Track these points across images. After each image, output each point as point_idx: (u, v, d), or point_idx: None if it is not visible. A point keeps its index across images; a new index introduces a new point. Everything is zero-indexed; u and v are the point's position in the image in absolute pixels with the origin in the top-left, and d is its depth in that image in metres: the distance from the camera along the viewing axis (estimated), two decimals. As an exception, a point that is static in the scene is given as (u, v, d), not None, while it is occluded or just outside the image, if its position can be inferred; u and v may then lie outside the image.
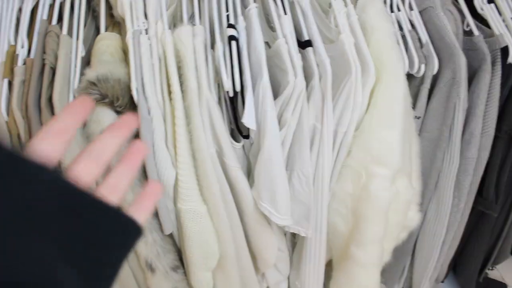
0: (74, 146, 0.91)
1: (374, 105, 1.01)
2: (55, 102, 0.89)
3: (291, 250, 1.35)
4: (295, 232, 1.13)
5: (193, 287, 1.11)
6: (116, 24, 1.07)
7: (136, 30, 0.96)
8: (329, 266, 1.34)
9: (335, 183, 1.10)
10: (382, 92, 1.00)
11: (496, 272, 1.73)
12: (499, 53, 1.13)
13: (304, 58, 1.01)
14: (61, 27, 1.00)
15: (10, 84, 0.97)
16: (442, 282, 1.58)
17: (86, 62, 0.99)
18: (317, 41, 1.01)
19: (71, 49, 0.98)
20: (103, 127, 0.87)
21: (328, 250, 1.25)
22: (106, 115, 0.88)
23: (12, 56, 0.98)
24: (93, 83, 0.89)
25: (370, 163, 1.02)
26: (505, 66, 1.14)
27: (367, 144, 1.02)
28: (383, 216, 1.06)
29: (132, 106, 0.90)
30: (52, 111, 0.89)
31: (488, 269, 1.58)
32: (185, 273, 1.12)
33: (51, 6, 1.04)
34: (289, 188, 1.05)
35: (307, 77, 0.99)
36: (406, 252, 1.34)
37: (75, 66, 0.96)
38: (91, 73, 0.91)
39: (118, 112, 0.90)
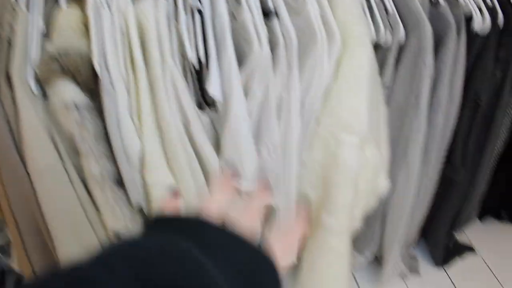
0: (36, 122, 0.90)
1: (341, 73, 1.01)
2: (13, 76, 0.87)
3: (262, 221, 1.36)
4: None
5: (165, 260, 1.12)
6: (77, -4, 1.04)
7: (97, 3, 0.94)
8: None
9: (304, 152, 1.10)
10: (348, 60, 1.00)
11: (465, 237, 1.77)
12: (464, 22, 1.14)
13: (269, 29, 1.01)
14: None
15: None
16: (413, 247, 1.62)
17: (46, 36, 0.97)
18: (282, 11, 1.01)
19: (29, 23, 0.95)
20: (64, 100, 0.86)
21: (300, 220, 1.27)
22: (67, 88, 0.86)
23: (-32, 31, 0.95)
24: (54, 58, 0.87)
25: (338, 130, 1.03)
26: (470, 34, 1.15)
27: (335, 112, 1.03)
28: (352, 183, 1.08)
29: (94, 79, 0.88)
30: (10, 86, 0.87)
31: (456, 232, 1.62)
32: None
33: (8, -21, 1.01)
34: (258, 159, 1.05)
35: (273, 47, 0.98)
36: (376, 219, 1.36)
37: (34, 41, 0.94)
38: (52, 47, 0.89)
39: (80, 85, 0.88)
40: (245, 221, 0.36)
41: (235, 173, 0.42)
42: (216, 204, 0.40)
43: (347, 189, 1.09)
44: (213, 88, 0.92)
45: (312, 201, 1.17)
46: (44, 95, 0.92)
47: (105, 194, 0.98)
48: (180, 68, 0.95)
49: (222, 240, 0.33)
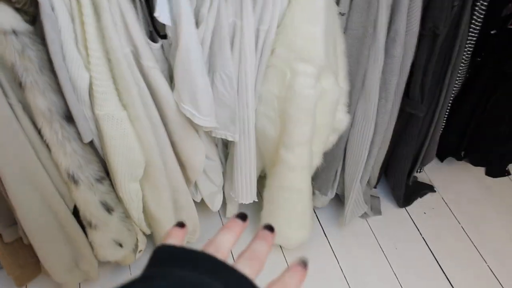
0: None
1: (296, 0, 0.98)
2: None
3: (224, 162, 1.35)
4: (222, 137, 1.12)
5: (122, 198, 1.09)
6: None
7: None
8: (264, 177, 1.35)
9: (260, 85, 1.08)
10: (303, -14, 0.97)
11: (424, 175, 1.80)
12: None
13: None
14: None
15: None
16: (375, 187, 1.63)
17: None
18: None
19: None
20: (0, 26, 0.80)
21: (260, 158, 1.25)
22: (3, 12, 0.80)
23: None
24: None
25: (294, 60, 1.00)
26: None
27: (290, 41, 1.00)
28: (310, 115, 1.06)
29: (33, 2, 0.83)
30: None
31: (416, 171, 1.64)
32: (112, 185, 1.09)
33: None
34: (213, 90, 1.02)
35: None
36: (337, 156, 1.36)
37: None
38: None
39: (18, 10, 0.82)
40: (248, 270, 0.35)
41: (245, 217, 0.40)
42: (222, 245, 0.38)
43: (304, 121, 1.07)
44: (160, 11, 0.88)
45: (270, 137, 1.16)
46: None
47: (54, 131, 0.94)
48: (127, -7, 0.90)
49: (239, 280, 0.33)
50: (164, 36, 0.98)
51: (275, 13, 0.98)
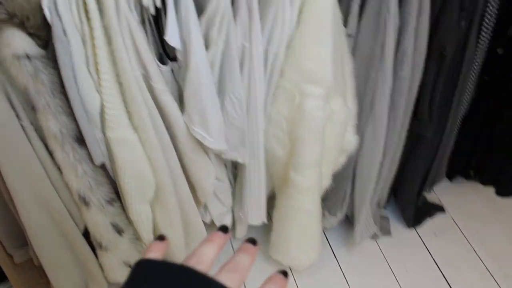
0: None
1: (303, 21, 0.99)
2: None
3: (233, 182, 1.35)
4: (233, 159, 1.12)
5: (132, 220, 1.10)
6: None
7: None
8: (274, 198, 1.34)
9: (270, 106, 1.09)
10: (311, 7, 0.98)
11: (434, 195, 1.79)
12: (428, -30, 1.12)
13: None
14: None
15: None
16: (384, 208, 1.62)
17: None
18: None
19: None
20: (14, 51, 0.82)
21: (270, 179, 1.25)
22: (17, 37, 0.82)
23: None
24: (-1, 2, 0.83)
25: (302, 82, 1.01)
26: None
27: (299, 62, 1.01)
28: (319, 137, 1.07)
29: (45, 26, 0.84)
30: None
31: (426, 191, 1.63)
32: (123, 207, 1.09)
33: None
34: (223, 113, 1.03)
35: (234, -4, 0.96)
36: (347, 177, 1.36)
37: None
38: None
39: (31, 34, 0.84)
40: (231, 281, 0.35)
41: (226, 229, 0.41)
42: (204, 257, 0.39)
43: (314, 143, 1.07)
44: (170, 35, 0.89)
45: (279, 158, 1.16)
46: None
47: (66, 153, 0.95)
48: (138, 17, 0.91)
49: None
50: (174, 59, 0.99)
51: (283, 35, 0.99)
